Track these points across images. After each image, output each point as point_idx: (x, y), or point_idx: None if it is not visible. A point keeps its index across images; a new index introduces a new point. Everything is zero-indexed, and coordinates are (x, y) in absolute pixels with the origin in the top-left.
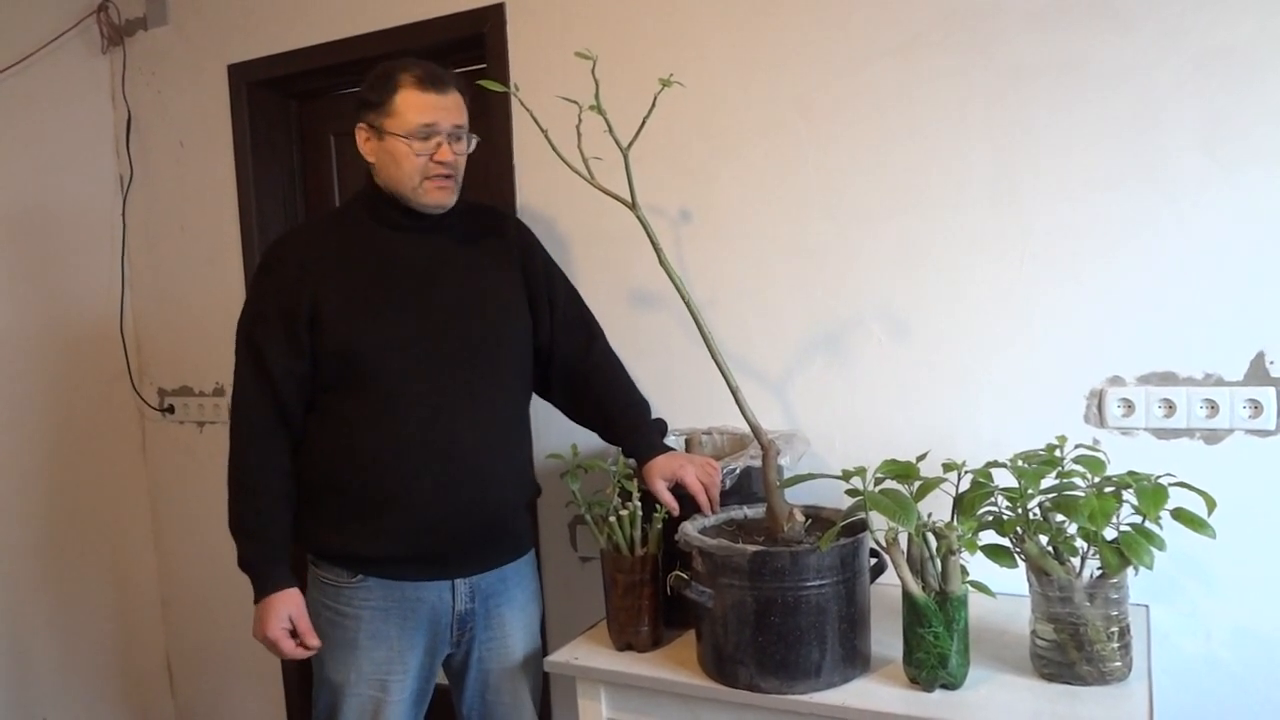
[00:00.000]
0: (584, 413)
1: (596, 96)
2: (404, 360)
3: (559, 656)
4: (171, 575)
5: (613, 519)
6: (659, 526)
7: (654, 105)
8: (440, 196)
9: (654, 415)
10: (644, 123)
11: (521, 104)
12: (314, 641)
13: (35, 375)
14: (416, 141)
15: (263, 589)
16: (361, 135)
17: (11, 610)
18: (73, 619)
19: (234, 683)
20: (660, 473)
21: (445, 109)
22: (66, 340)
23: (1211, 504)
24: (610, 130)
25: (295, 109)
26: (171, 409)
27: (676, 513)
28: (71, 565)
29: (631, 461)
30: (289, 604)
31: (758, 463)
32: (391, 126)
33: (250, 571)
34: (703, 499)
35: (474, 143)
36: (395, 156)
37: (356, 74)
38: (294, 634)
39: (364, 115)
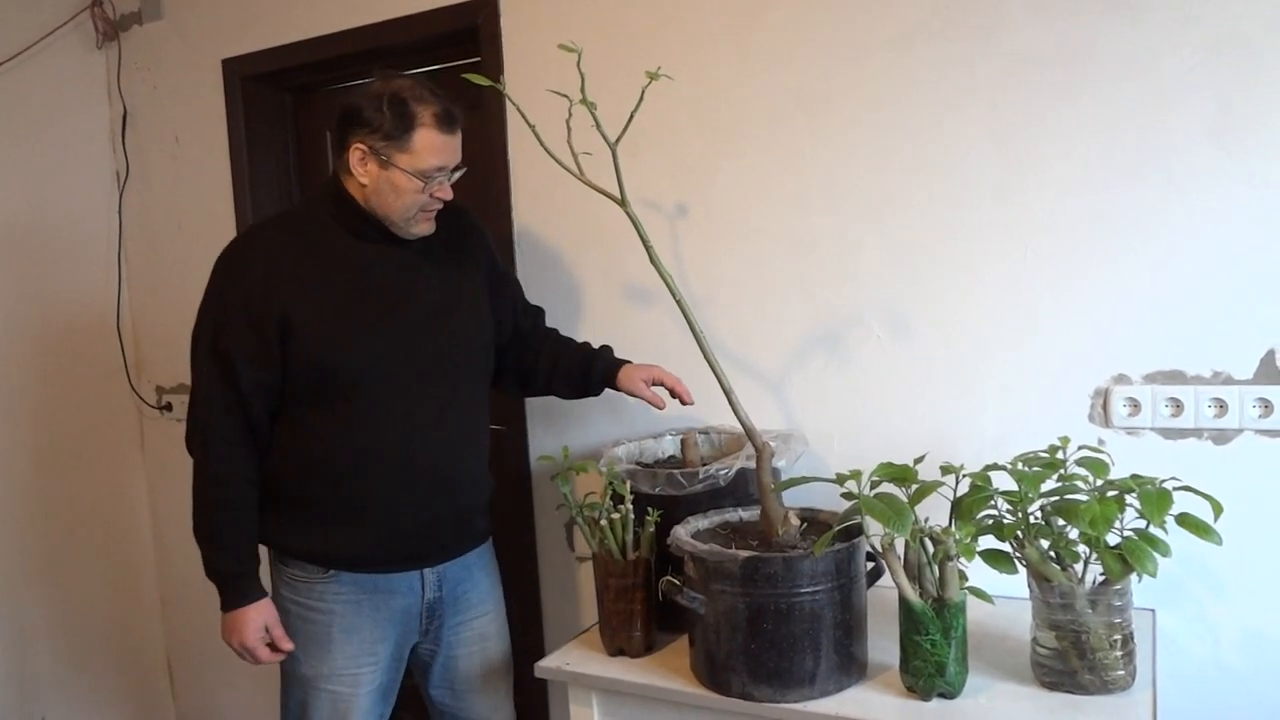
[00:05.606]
0: (538, 379)
1: (583, 90)
2: (378, 375)
3: (550, 662)
4: (171, 574)
5: (604, 522)
6: (651, 530)
7: (641, 99)
8: (428, 227)
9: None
10: (631, 117)
11: (510, 100)
12: (288, 646)
13: (33, 373)
14: (421, 179)
15: (237, 599)
16: (357, 155)
17: (11, 610)
18: (73, 618)
19: (234, 683)
20: (640, 375)
21: (456, 149)
22: (64, 337)
23: (1218, 509)
24: (597, 125)
25: (290, 103)
26: (169, 406)
27: (663, 406)
28: (71, 564)
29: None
30: (265, 614)
31: (753, 464)
32: (404, 163)
33: (221, 581)
34: (681, 388)
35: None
36: (396, 188)
37: (350, 68)
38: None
39: (369, 138)
